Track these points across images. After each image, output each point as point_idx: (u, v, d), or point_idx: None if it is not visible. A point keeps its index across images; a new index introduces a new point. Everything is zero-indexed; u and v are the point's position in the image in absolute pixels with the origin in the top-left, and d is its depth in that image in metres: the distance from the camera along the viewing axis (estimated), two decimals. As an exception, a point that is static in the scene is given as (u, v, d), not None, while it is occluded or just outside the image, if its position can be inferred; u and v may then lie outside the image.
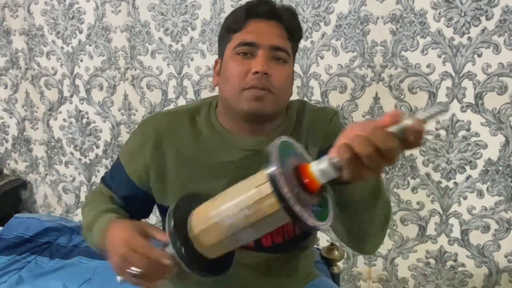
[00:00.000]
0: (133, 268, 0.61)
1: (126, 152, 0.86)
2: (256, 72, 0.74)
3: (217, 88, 0.84)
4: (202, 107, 0.87)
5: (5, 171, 2.06)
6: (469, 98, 1.37)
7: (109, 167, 1.86)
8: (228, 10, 1.51)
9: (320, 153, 0.83)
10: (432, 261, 1.57)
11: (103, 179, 0.91)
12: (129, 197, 0.85)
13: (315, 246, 0.99)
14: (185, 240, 0.59)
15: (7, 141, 2.02)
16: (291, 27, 0.80)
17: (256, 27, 0.77)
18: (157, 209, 0.91)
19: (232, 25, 0.80)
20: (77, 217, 1.98)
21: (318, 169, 0.53)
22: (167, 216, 0.60)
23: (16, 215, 1.63)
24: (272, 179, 0.50)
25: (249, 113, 0.76)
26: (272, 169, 0.50)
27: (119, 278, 0.66)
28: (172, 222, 0.59)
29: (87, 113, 1.83)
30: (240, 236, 0.58)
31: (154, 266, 0.61)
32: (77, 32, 1.73)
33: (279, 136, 0.61)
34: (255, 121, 0.80)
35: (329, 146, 0.84)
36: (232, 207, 0.56)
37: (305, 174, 0.53)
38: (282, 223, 0.57)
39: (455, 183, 1.46)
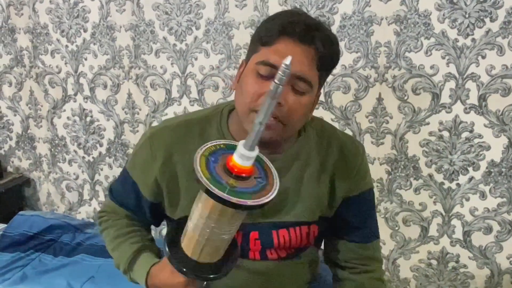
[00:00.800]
0: None
1: (136, 167, 0.84)
2: None
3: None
4: (214, 117, 0.83)
5: (9, 169, 2.07)
6: (473, 99, 1.37)
7: (112, 165, 1.87)
8: (233, 10, 1.51)
9: (345, 199, 0.85)
10: (434, 262, 1.57)
11: (111, 193, 0.89)
12: (142, 209, 0.86)
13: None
14: (181, 257, 0.69)
15: (11, 139, 2.03)
16: (324, 57, 0.71)
17: (285, 48, 0.69)
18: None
19: (262, 36, 0.72)
20: (80, 215, 1.99)
21: (238, 157, 0.60)
22: (164, 244, 0.70)
23: (20, 212, 1.64)
24: (205, 188, 0.58)
25: None
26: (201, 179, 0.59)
27: None
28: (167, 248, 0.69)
29: (91, 111, 1.84)
30: (216, 236, 0.66)
31: None
32: (81, 30, 1.74)
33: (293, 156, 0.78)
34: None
35: (357, 194, 0.86)
36: (197, 222, 0.65)
37: (232, 166, 0.61)
38: (228, 213, 0.63)
39: (457, 184, 1.46)
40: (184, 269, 0.67)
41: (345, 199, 0.85)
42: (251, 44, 0.76)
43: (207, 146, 0.65)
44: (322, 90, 1.47)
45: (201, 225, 0.64)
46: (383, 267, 1.62)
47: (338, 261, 0.92)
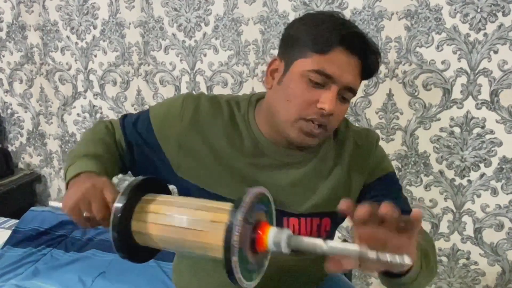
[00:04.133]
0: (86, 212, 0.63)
1: (159, 115, 0.83)
2: (322, 109, 0.70)
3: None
4: (243, 102, 0.84)
5: (20, 165, 2.09)
6: (485, 95, 1.36)
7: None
8: (242, 5, 1.51)
9: (366, 187, 0.84)
10: (444, 258, 1.56)
11: (123, 118, 0.87)
12: (136, 146, 0.83)
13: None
14: (125, 218, 0.59)
15: (22, 136, 2.05)
16: (371, 70, 0.74)
17: (340, 59, 0.70)
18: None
19: (315, 42, 0.70)
20: (90, 211, 2.00)
21: (273, 237, 0.52)
22: (127, 185, 0.60)
23: (32, 208, 1.65)
24: (230, 226, 0.50)
25: (295, 142, 0.74)
26: (237, 216, 0.50)
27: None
28: (124, 199, 0.58)
29: (100, 108, 1.85)
30: (170, 244, 0.59)
31: (106, 215, 0.61)
32: (91, 27, 1.74)
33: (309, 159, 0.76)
34: (296, 146, 0.78)
35: (376, 179, 0.84)
36: (179, 221, 0.57)
37: (260, 235, 0.54)
38: (211, 256, 0.56)
39: (469, 180, 1.45)
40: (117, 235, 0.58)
41: (363, 188, 0.84)
42: (294, 46, 0.74)
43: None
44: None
45: (173, 228, 0.57)
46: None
47: None
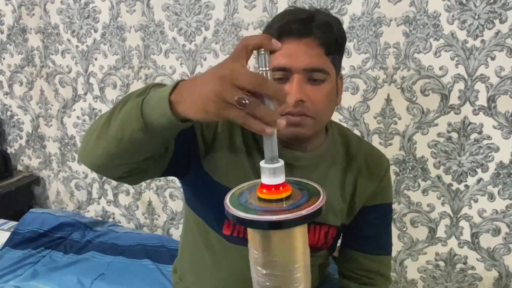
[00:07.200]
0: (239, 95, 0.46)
1: None
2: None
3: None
4: None
5: (19, 167, 2.09)
6: (482, 101, 1.37)
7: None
8: (242, 10, 1.52)
9: (363, 209, 0.86)
10: (441, 263, 1.57)
11: None
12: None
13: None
14: None
15: (21, 138, 2.05)
16: (328, 41, 0.74)
17: (289, 48, 0.72)
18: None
19: None
20: (89, 213, 2.00)
21: (266, 177, 0.53)
22: None
23: (31, 210, 1.65)
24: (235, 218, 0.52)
25: (288, 138, 0.75)
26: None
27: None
28: None
29: (100, 111, 1.85)
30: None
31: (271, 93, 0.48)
32: (92, 31, 1.75)
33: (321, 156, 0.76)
34: (295, 142, 0.78)
35: (375, 205, 0.86)
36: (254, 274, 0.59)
37: (262, 188, 0.54)
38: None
39: (466, 185, 1.46)
40: None
41: (361, 209, 0.86)
42: None
43: (234, 191, 0.60)
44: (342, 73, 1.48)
45: (257, 277, 0.56)
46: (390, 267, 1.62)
47: (342, 269, 0.92)
